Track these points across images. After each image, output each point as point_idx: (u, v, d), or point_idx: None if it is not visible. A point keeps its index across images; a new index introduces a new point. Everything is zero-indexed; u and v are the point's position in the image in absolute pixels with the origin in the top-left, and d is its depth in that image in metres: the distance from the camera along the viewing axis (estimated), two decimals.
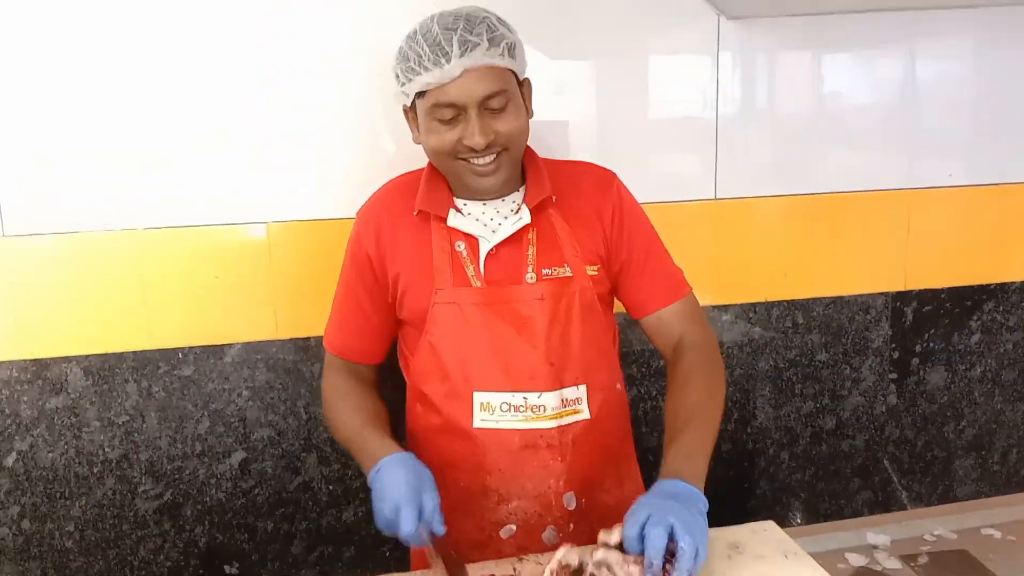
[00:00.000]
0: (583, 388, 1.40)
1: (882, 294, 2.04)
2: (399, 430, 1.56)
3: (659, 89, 1.84)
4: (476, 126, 1.28)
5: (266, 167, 1.72)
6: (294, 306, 1.78)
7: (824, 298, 2.01)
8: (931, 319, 2.08)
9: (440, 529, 1.21)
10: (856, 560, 1.38)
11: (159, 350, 1.74)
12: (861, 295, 2.03)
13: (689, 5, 1.82)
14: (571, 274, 1.38)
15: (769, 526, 1.38)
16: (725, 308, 1.97)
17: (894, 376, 2.09)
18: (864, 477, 2.13)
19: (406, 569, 1.39)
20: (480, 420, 1.39)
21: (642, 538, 1.09)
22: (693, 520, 1.11)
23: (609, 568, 1.10)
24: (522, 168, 1.43)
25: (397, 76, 1.33)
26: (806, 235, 1.97)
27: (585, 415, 1.41)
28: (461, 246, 1.39)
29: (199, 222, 1.71)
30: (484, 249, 1.38)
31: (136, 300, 1.71)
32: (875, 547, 1.41)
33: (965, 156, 2.02)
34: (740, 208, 1.92)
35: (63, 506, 1.76)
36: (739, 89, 1.87)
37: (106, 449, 1.76)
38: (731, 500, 2.06)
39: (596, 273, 1.40)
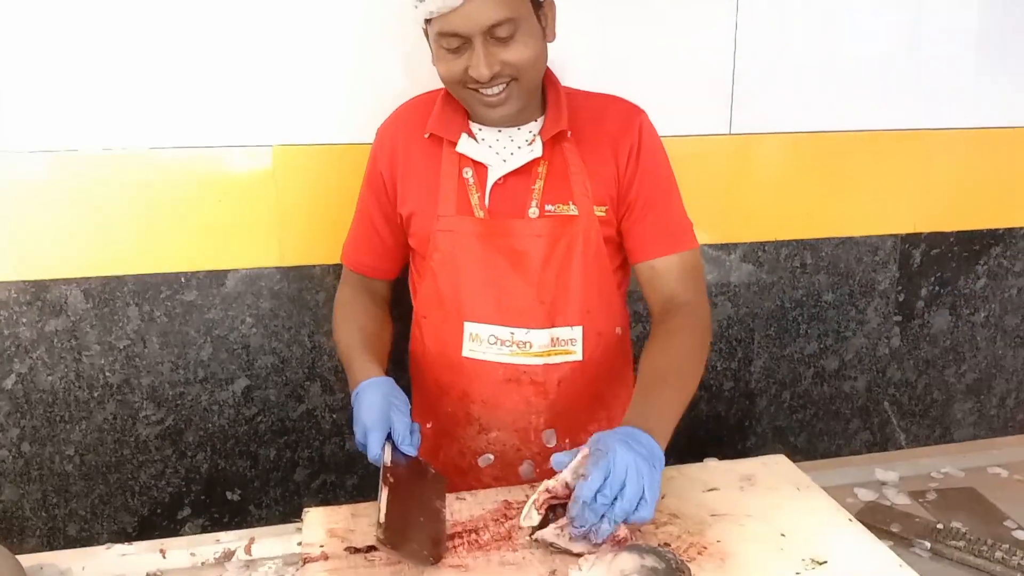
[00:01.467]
0: (578, 330, 1.38)
1: (891, 236, 2.03)
2: (405, 354, 1.55)
3: (679, 23, 1.79)
4: (481, 56, 1.22)
5: (273, 89, 1.67)
6: (299, 233, 1.74)
7: (833, 238, 2.00)
8: (938, 262, 2.07)
9: (410, 451, 1.20)
10: (865, 495, 1.38)
11: (161, 274, 1.71)
12: (870, 236, 2.01)
13: None
14: (576, 212, 1.34)
15: (780, 459, 1.38)
16: (734, 247, 1.95)
17: (898, 319, 2.09)
18: (864, 418, 2.14)
19: None
20: (468, 350, 1.39)
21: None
22: (650, 477, 1.06)
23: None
24: (545, 96, 1.38)
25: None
26: (818, 174, 1.94)
27: (577, 356, 1.39)
28: (468, 173, 1.35)
29: (203, 143, 1.66)
30: (492, 178, 1.34)
31: (138, 222, 1.67)
32: (883, 483, 1.41)
33: (977, 98, 1.99)
34: (754, 144, 1.89)
35: (63, 430, 1.74)
36: (759, 26, 1.83)
37: (107, 373, 1.73)
38: (731, 438, 2.07)
39: (604, 214, 1.35)
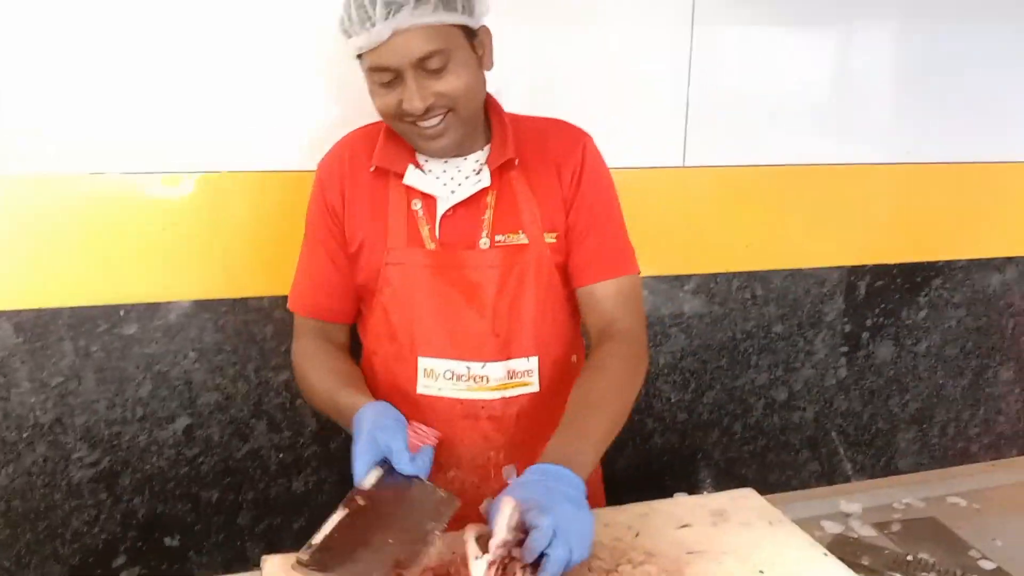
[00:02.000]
0: (534, 360, 1.34)
1: (837, 268, 2.06)
2: None
3: (633, 55, 1.80)
4: (413, 90, 1.18)
5: (215, 115, 1.60)
6: (246, 263, 1.68)
7: (783, 270, 2.02)
8: (882, 294, 2.11)
9: (408, 469, 1.13)
10: (832, 527, 1.38)
11: (99, 307, 1.62)
12: (818, 268, 2.05)
13: None
14: (527, 241, 1.31)
15: (749, 493, 1.37)
16: (687, 278, 1.95)
17: (845, 350, 2.12)
18: (812, 449, 2.16)
19: None
20: (423, 386, 1.34)
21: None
22: (578, 521, 1.03)
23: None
24: (489, 123, 1.36)
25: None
26: (768, 207, 1.97)
27: (534, 387, 1.35)
28: (418, 205, 1.32)
29: (144, 169, 1.59)
30: (441, 209, 1.31)
31: (75, 252, 1.58)
32: (847, 515, 1.42)
33: (913, 134, 2.05)
34: (708, 176, 1.90)
35: None
36: (711, 59, 1.85)
37: (37, 412, 1.62)
38: (685, 469, 2.06)
39: (555, 241, 1.32)
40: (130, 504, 1.71)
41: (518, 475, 1.35)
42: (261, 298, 1.70)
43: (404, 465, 1.13)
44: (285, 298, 1.68)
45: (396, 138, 1.32)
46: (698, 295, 1.97)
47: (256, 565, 1.16)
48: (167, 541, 1.74)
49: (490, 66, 1.28)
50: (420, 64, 1.17)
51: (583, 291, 1.35)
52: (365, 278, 1.36)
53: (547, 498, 1.04)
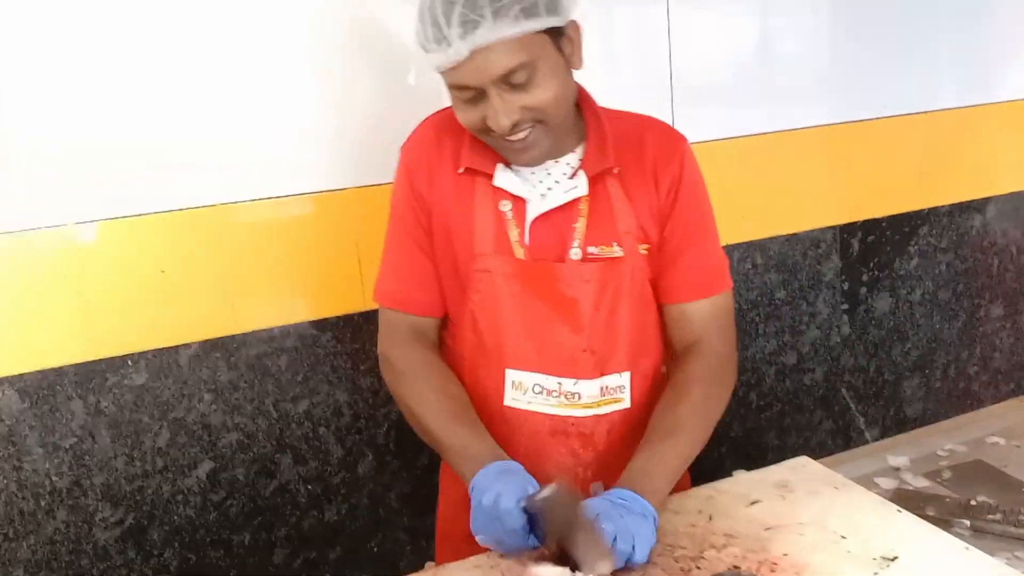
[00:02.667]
0: (627, 376, 1.29)
1: (831, 228, 2.09)
2: None
3: (619, 37, 1.79)
4: (498, 107, 1.12)
5: (215, 145, 1.55)
6: (253, 295, 1.62)
7: (779, 236, 2.04)
8: (875, 248, 2.15)
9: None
10: (887, 483, 1.39)
11: (104, 359, 1.55)
12: (812, 230, 2.07)
13: None
14: (622, 254, 1.24)
15: (806, 461, 1.37)
16: None
17: (845, 307, 2.15)
18: (825, 408, 2.19)
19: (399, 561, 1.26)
20: (511, 399, 1.29)
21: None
22: (634, 525, 1.07)
23: None
24: (581, 118, 1.28)
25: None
26: (760, 175, 1.98)
27: (626, 404, 1.30)
28: (506, 207, 1.24)
29: (139, 211, 1.53)
30: (531, 214, 1.24)
31: (73, 305, 1.51)
32: (897, 468, 1.43)
33: (895, 88, 2.09)
34: (701, 152, 1.89)
35: (8, 549, 1.54)
36: (692, 35, 1.85)
37: (53, 478, 1.55)
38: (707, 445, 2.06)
39: (646, 253, 1.26)
40: (161, 559, 1.64)
41: (606, 490, 1.32)
42: (270, 329, 1.65)
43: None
44: (295, 327, 1.66)
45: None
46: None
47: None
48: None
49: (580, 65, 1.19)
50: (503, 80, 1.10)
51: (673, 308, 1.30)
52: (452, 278, 1.29)
53: (613, 510, 1.07)
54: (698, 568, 1.11)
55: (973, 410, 1.61)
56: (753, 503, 1.25)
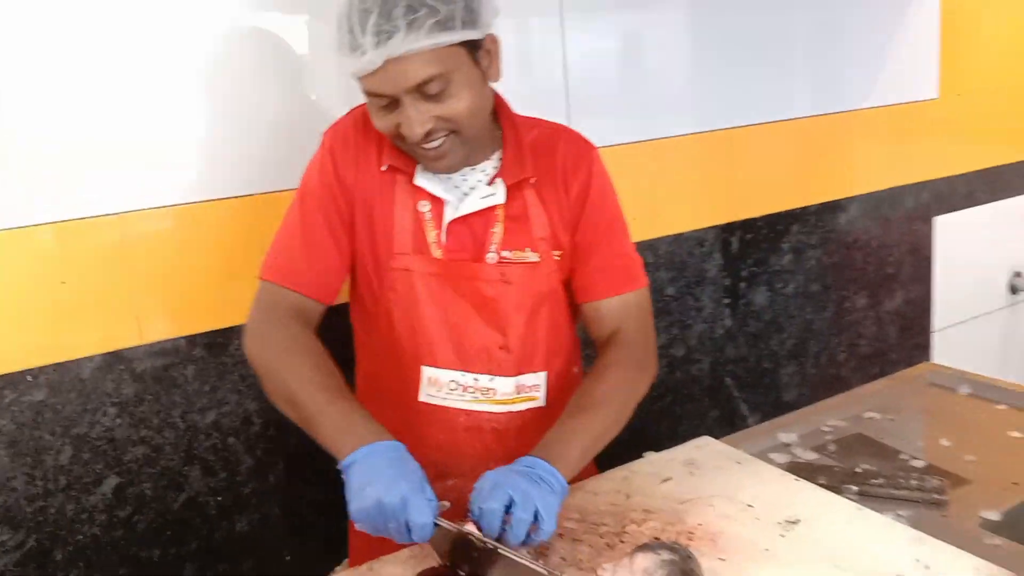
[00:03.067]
0: (543, 375, 1.36)
1: (713, 227, 2.22)
2: None
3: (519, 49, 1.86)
4: (412, 116, 1.15)
5: (116, 153, 1.52)
6: (158, 305, 1.59)
7: (668, 236, 2.15)
8: (752, 245, 2.30)
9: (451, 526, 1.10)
10: (780, 458, 1.50)
11: (1, 376, 1.48)
12: (697, 230, 2.20)
13: None
14: (537, 259, 1.30)
15: (708, 441, 1.48)
16: None
17: (727, 301, 2.29)
18: (712, 396, 2.32)
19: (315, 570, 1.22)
20: (426, 395, 1.33)
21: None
22: (537, 492, 1.09)
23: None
24: (498, 126, 1.32)
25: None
26: (648, 180, 2.09)
27: (540, 402, 1.36)
28: (425, 207, 1.28)
29: (37, 220, 1.48)
30: (448, 216, 1.28)
31: None
32: (788, 444, 1.55)
33: (769, 99, 2.25)
34: None
35: None
36: (583, 49, 1.94)
37: None
38: None
39: (560, 259, 1.33)
40: None
41: None
42: (177, 339, 1.62)
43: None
44: (207, 334, 1.64)
45: None
46: None
47: None
48: None
49: (498, 77, 1.23)
50: (417, 89, 1.13)
51: (588, 306, 1.35)
52: (369, 274, 1.31)
53: (517, 478, 1.09)
54: (622, 542, 1.18)
55: (843, 392, 1.77)
56: (665, 480, 1.34)
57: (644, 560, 1.06)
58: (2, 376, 1.48)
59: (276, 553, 1.78)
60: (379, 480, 1.06)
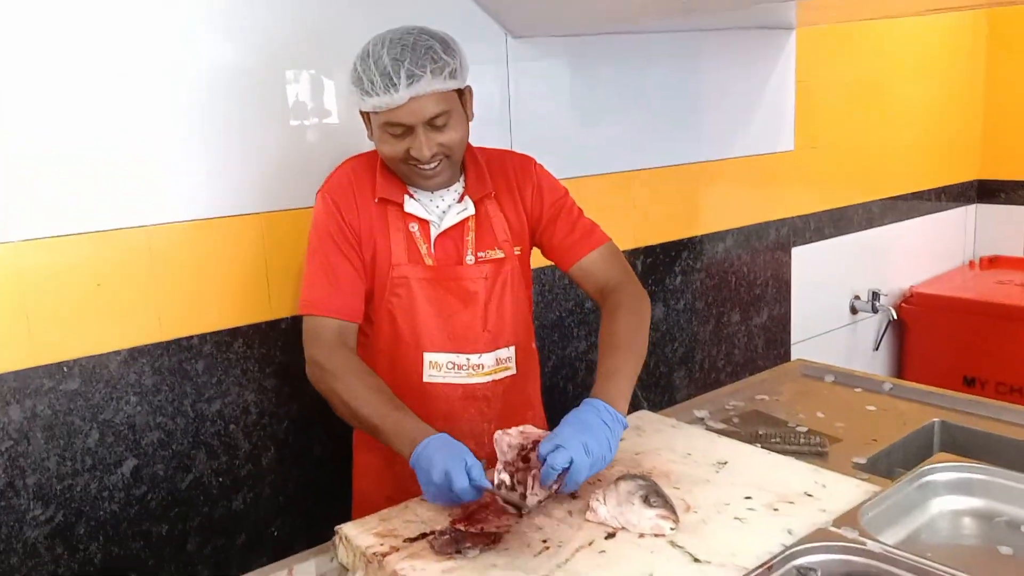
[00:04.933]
0: (512, 349, 1.72)
1: (623, 252, 2.63)
2: None
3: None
4: (423, 142, 1.51)
5: (141, 170, 1.75)
6: (176, 307, 1.82)
7: None
8: (652, 268, 2.73)
9: (487, 484, 1.40)
10: (699, 428, 1.90)
11: (42, 366, 1.68)
12: None
13: (480, 23, 2.22)
14: (502, 255, 1.67)
15: (647, 413, 1.86)
16: None
17: None
18: None
19: (296, 546, 1.51)
20: (429, 376, 1.67)
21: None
22: (595, 442, 1.40)
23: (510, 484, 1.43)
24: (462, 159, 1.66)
25: (354, 89, 1.53)
26: None
27: (512, 371, 1.72)
28: (415, 228, 1.63)
29: (78, 230, 1.69)
30: (434, 232, 1.63)
31: (14, 316, 1.63)
32: (701, 417, 1.95)
33: (673, 143, 2.70)
34: None
35: None
36: (525, 94, 2.32)
37: None
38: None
39: (520, 253, 1.70)
40: (86, 552, 1.77)
41: None
42: (190, 337, 1.85)
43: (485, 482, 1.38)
44: (211, 334, 1.88)
45: (390, 175, 1.62)
46: (535, 284, 2.41)
47: None
48: None
49: (472, 117, 1.61)
50: (429, 122, 1.50)
51: (575, 268, 1.71)
52: (373, 286, 1.63)
53: (570, 436, 1.40)
54: (600, 480, 1.53)
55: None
56: (620, 440, 1.70)
57: (626, 485, 1.42)
58: (43, 367, 1.68)
59: (265, 529, 2.01)
60: (431, 467, 1.38)
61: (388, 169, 1.63)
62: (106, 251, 1.72)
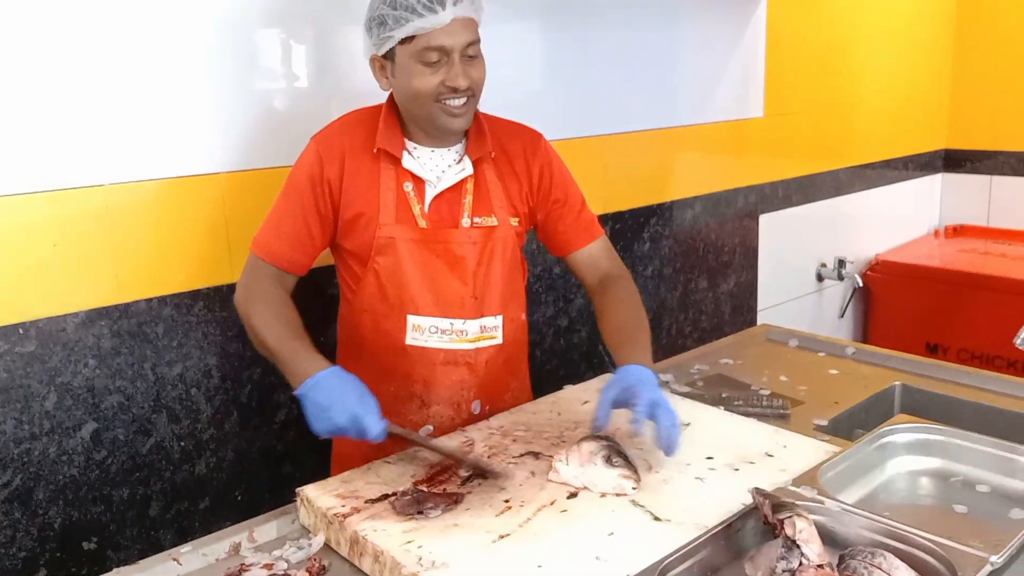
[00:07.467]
0: (499, 318, 1.69)
1: None
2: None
3: None
4: (459, 69, 1.49)
5: (99, 128, 1.71)
6: (135, 268, 1.79)
7: None
8: (621, 233, 2.73)
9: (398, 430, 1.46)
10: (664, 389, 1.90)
11: None
12: None
13: None
14: (496, 223, 1.64)
15: (608, 375, 1.86)
16: None
17: None
18: (587, 361, 2.72)
19: (260, 509, 1.51)
20: (411, 339, 1.64)
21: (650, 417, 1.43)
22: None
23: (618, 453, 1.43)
24: None
25: (378, 25, 1.49)
26: None
27: (498, 340, 1.70)
28: (409, 187, 1.59)
29: (32, 188, 1.65)
30: (430, 192, 1.60)
31: None
32: (667, 382, 1.96)
33: (637, 110, 2.69)
34: None
35: None
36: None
37: None
38: None
39: (516, 224, 1.67)
40: (46, 517, 1.74)
41: (481, 409, 1.70)
42: (150, 299, 1.82)
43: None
44: (171, 296, 1.85)
45: (392, 125, 1.58)
46: None
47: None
48: (85, 545, 1.80)
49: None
50: (465, 50, 1.48)
51: (579, 254, 1.75)
52: (358, 245, 1.60)
53: (641, 387, 1.46)
54: (563, 441, 1.53)
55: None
56: (584, 403, 1.72)
57: (589, 446, 1.43)
58: None
59: (229, 494, 2.00)
60: (331, 404, 1.41)
61: (391, 122, 1.60)
62: (62, 211, 1.68)
